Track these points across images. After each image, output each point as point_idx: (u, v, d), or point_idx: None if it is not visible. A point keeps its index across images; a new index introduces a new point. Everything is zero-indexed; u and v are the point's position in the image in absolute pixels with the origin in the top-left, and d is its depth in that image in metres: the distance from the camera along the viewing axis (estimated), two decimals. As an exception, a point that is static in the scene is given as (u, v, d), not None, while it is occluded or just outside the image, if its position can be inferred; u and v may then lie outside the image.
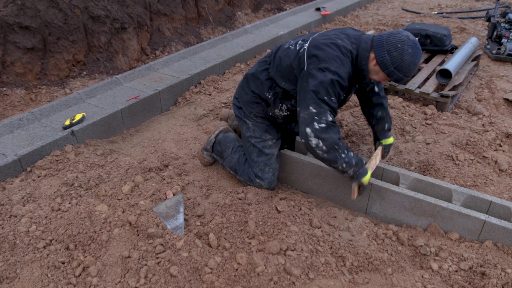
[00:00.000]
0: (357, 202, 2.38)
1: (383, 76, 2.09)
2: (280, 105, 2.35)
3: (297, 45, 2.21)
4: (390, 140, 2.52)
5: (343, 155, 2.03)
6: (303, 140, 2.05)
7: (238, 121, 2.57)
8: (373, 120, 2.53)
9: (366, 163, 2.24)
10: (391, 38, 2.01)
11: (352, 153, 2.09)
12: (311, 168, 2.47)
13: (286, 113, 2.40)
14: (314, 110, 2.00)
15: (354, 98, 3.46)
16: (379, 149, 2.48)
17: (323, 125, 1.99)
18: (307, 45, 2.15)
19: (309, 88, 2.03)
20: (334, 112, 2.06)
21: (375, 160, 2.38)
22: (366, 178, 2.12)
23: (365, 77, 2.16)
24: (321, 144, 2.00)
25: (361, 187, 2.18)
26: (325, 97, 2.01)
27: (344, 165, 2.05)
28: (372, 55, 2.08)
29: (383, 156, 2.53)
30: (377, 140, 2.57)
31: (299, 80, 2.14)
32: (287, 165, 2.58)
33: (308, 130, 2.01)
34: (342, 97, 2.18)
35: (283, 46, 2.32)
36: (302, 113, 2.06)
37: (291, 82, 2.21)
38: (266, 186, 2.43)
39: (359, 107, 3.30)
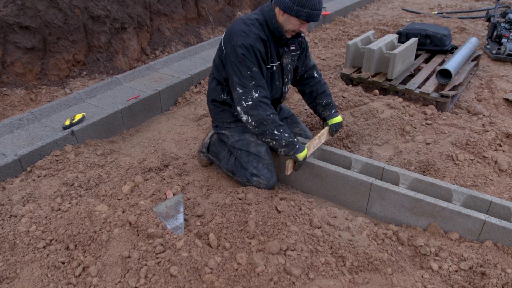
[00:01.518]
0: (357, 202, 2.38)
1: (295, 20, 2.17)
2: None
3: (220, 40, 2.38)
4: (338, 118, 2.67)
5: (275, 132, 2.19)
6: (239, 117, 2.25)
7: (220, 137, 2.63)
8: (320, 108, 2.69)
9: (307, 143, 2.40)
10: None
11: (285, 134, 2.21)
12: (311, 168, 2.47)
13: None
14: (240, 91, 2.18)
15: (354, 98, 3.46)
16: (326, 129, 2.62)
17: (250, 102, 2.17)
18: (223, 35, 2.32)
19: (231, 70, 2.19)
20: (260, 85, 2.18)
21: (319, 140, 2.50)
22: (301, 155, 2.26)
23: (282, 34, 2.25)
24: (250, 120, 2.20)
25: (296, 163, 2.30)
26: (248, 73, 2.15)
27: (274, 142, 2.23)
28: (277, 9, 2.20)
29: (331, 134, 2.67)
30: (324, 121, 2.72)
31: (225, 65, 2.29)
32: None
33: (238, 108, 2.22)
34: (274, 63, 2.32)
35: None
36: (233, 94, 2.24)
37: (226, 71, 2.34)
38: (264, 182, 2.43)
39: (359, 107, 3.30)
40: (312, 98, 2.70)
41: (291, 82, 2.72)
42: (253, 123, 2.21)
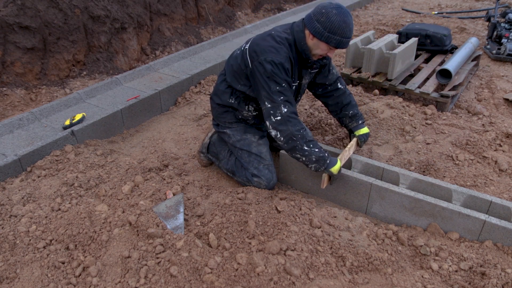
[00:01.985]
0: (357, 202, 2.38)
1: (324, 46, 2.16)
2: (246, 106, 2.46)
3: (242, 48, 2.37)
4: (365, 129, 2.66)
5: (305, 147, 2.16)
6: (269, 131, 2.25)
7: (221, 136, 2.63)
8: (347, 120, 2.67)
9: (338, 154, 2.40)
10: (316, 9, 2.13)
11: (315, 149, 2.18)
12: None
13: (255, 113, 2.50)
14: (269, 105, 2.17)
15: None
16: (354, 140, 2.61)
17: (278, 117, 2.16)
18: (248, 45, 2.30)
19: (259, 84, 2.18)
20: (288, 100, 2.17)
21: (349, 152, 2.48)
22: (335, 168, 2.23)
23: (309, 57, 2.25)
24: (279, 135, 2.19)
25: (331, 177, 2.28)
26: (277, 88, 2.15)
27: (304, 158, 2.20)
28: (307, 32, 2.18)
29: (359, 145, 2.65)
30: (351, 133, 2.70)
31: (250, 79, 2.28)
32: (287, 165, 2.58)
33: (267, 123, 2.21)
34: (295, 83, 2.32)
35: (232, 55, 2.48)
36: (262, 108, 2.24)
37: (245, 83, 2.35)
38: (265, 183, 2.43)
39: (359, 107, 3.30)
40: (338, 109, 2.66)
41: (315, 95, 2.72)
42: (282, 138, 2.18)
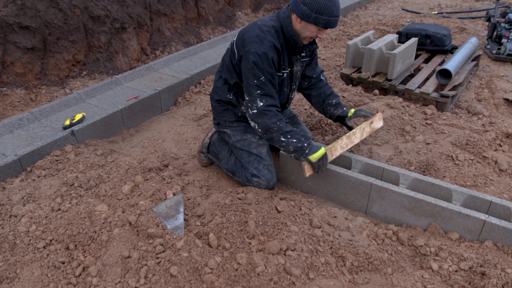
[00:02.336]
0: (357, 202, 2.38)
1: (313, 28, 2.15)
2: (244, 101, 2.44)
3: (232, 41, 2.37)
4: (353, 110, 2.67)
5: (282, 138, 2.22)
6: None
7: (222, 135, 2.63)
8: (332, 108, 2.68)
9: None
10: None
11: (292, 140, 2.22)
12: (311, 168, 2.47)
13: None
14: (247, 98, 2.23)
15: (354, 98, 3.46)
16: (359, 127, 2.49)
17: (254, 111, 2.21)
18: (235, 37, 2.32)
19: (243, 76, 2.22)
20: (266, 93, 2.19)
21: (348, 140, 2.42)
22: (314, 156, 2.21)
23: (297, 42, 2.24)
24: (257, 127, 2.27)
25: (313, 165, 2.26)
26: (254, 81, 2.16)
27: (282, 148, 2.28)
28: (294, 16, 2.18)
29: (363, 115, 2.61)
30: (340, 120, 2.71)
31: (240, 71, 2.30)
32: (287, 165, 2.58)
33: (247, 114, 2.29)
34: (285, 71, 2.32)
35: (227, 48, 2.45)
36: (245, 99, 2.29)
37: (237, 76, 2.35)
38: (264, 183, 2.43)
39: (359, 107, 3.30)
40: (321, 100, 2.69)
41: (300, 89, 2.73)
42: (260, 130, 2.27)
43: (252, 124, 2.28)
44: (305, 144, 2.23)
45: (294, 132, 2.25)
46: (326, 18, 2.10)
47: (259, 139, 2.53)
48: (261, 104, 2.18)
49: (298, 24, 2.18)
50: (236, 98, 2.46)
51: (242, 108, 2.48)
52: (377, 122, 2.60)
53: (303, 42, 2.27)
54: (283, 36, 2.24)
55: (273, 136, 2.24)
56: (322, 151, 2.23)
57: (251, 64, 2.13)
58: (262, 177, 2.43)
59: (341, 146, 2.37)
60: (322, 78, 2.70)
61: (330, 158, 2.32)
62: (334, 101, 2.68)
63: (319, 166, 2.26)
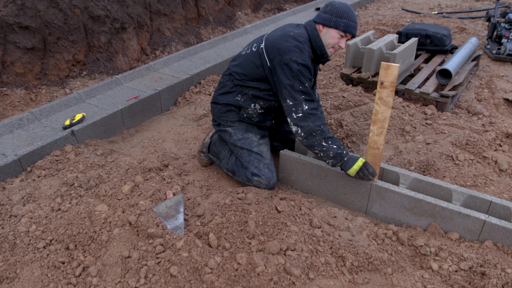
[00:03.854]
0: (357, 202, 2.38)
1: (334, 33, 2.28)
2: (253, 104, 2.49)
3: (254, 47, 2.43)
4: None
5: (323, 143, 2.22)
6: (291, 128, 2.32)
7: (222, 135, 2.64)
8: None
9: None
10: (323, 7, 2.34)
11: (333, 146, 2.22)
12: (311, 169, 2.47)
13: (260, 111, 2.53)
14: (291, 103, 2.25)
15: (354, 98, 3.46)
16: None
17: (300, 114, 2.24)
18: (263, 44, 2.36)
19: (282, 82, 2.25)
20: (310, 98, 2.26)
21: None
22: (350, 171, 2.24)
23: (324, 51, 2.35)
24: (299, 131, 2.26)
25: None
26: (300, 87, 2.23)
27: (322, 153, 2.26)
28: (318, 26, 2.33)
29: None
30: None
31: (269, 77, 2.35)
32: (287, 166, 2.58)
33: (289, 119, 2.29)
34: (312, 81, 2.37)
35: (240, 54, 2.52)
36: (283, 105, 2.30)
37: (259, 80, 2.40)
38: (265, 182, 2.43)
39: (359, 107, 3.30)
40: None
41: None
42: (302, 134, 2.25)
43: (295, 129, 2.27)
44: (344, 152, 2.24)
45: (335, 138, 2.27)
46: (346, 22, 2.24)
47: (260, 138, 2.54)
48: (306, 107, 2.22)
49: (322, 33, 2.31)
50: (245, 100, 2.48)
51: (249, 110, 2.50)
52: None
53: (328, 52, 2.36)
54: (311, 47, 2.34)
55: (315, 140, 2.22)
56: (359, 163, 2.21)
57: (295, 72, 2.20)
58: (263, 176, 2.43)
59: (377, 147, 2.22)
60: (321, 108, 2.80)
61: (375, 166, 2.25)
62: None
63: (361, 177, 2.24)
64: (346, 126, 3.10)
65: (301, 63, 2.21)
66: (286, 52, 2.22)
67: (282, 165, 2.61)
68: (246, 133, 2.53)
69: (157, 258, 1.89)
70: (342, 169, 2.28)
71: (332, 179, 2.42)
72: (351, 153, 2.29)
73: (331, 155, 2.23)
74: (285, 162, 2.57)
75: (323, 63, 2.49)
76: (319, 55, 2.37)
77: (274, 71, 2.28)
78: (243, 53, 2.50)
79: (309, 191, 2.57)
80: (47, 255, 1.93)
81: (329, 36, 2.29)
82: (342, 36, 2.30)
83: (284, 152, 2.56)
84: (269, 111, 2.57)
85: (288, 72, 2.22)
